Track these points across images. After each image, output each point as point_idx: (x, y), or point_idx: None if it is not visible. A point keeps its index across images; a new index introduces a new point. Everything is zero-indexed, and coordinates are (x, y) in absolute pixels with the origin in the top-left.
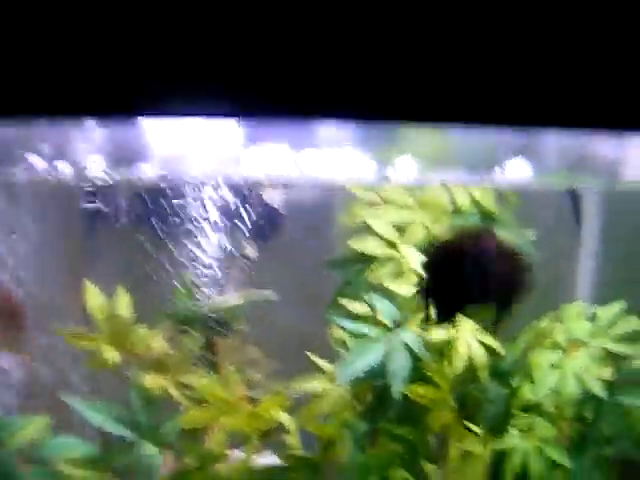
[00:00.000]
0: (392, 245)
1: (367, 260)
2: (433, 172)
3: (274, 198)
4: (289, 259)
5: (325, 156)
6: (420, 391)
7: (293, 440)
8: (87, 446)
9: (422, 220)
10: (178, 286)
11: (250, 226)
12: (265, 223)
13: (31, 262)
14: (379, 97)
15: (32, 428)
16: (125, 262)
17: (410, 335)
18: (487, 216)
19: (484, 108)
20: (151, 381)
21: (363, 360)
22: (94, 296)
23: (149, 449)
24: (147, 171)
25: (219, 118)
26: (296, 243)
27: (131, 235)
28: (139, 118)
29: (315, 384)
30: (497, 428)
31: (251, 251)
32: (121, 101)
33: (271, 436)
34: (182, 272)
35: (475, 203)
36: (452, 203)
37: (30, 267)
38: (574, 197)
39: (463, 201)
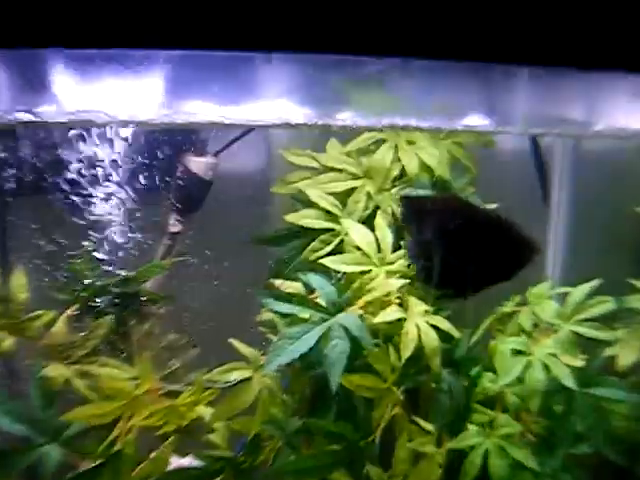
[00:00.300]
0: (333, 218)
1: (305, 235)
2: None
3: (201, 166)
4: (217, 233)
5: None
6: (361, 382)
7: (218, 438)
8: None
9: (367, 189)
10: (83, 260)
11: (174, 196)
12: (191, 193)
13: None
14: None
15: None
16: (24, 232)
17: (351, 318)
18: (441, 185)
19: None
20: (52, 371)
21: (295, 346)
22: None
23: (51, 449)
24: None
25: None
26: (227, 216)
27: (29, 199)
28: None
29: (238, 373)
30: (453, 424)
31: (174, 224)
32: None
33: (193, 434)
34: (89, 244)
35: (426, 169)
36: (400, 170)
37: None
38: (536, 150)
39: (411, 167)
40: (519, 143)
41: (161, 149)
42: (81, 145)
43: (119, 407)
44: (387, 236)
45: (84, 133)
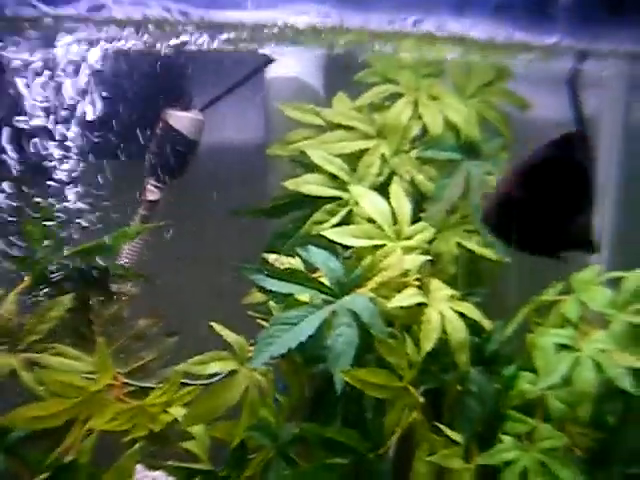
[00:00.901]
0: (340, 184)
1: (307, 205)
2: None
3: (185, 122)
4: (202, 202)
5: None
6: (372, 379)
7: (196, 447)
8: None
9: (381, 150)
10: (36, 223)
11: (151, 157)
12: (172, 154)
13: None
14: None
15: None
16: None
17: (361, 301)
18: (468, 145)
19: None
20: None
21: (291, 334)
22: None
23: None
24: None
25: None
26: (214, 181)
27: None
28: None
29: (219, 365)
30: (483, 435)
31: (151, 190)
32: None
33: (167, 442)
34: (47, 210)
35: (451, 128)
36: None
37: None
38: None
39: (435, 125)
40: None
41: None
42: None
43: (72, 407)
44: (405, 206)
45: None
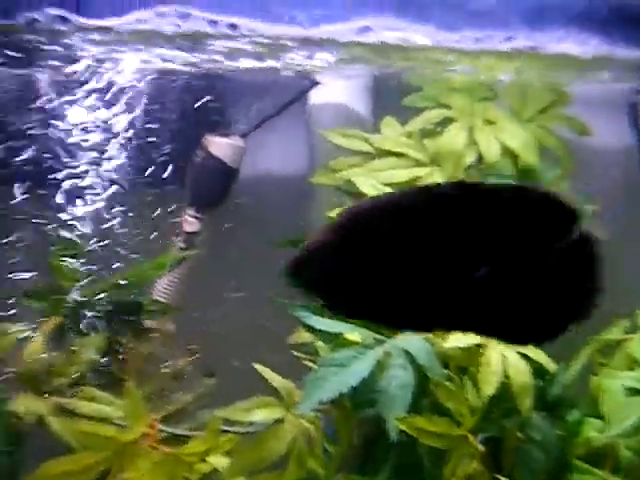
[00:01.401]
0: None
1: None
2: None
3: (226, 149)
4: (242, 233)
5: None
6: (430, 426)
7: None
8: None
9: (434, 178)
10: (67, 263)
11: (192, 186)
12: (212, 182)
13: None
14: None
15: None
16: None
17: (416, 341)
18: (527, 174)
19: None
20: (21, 404)
21: (341, 378)
22: None
23: None
24: None
25: None
26: (254, 211)
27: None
28: None
29: (266, 413)
30: None
31: (190, 221)
32: None
33: None
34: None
35: (509, 154)
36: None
37: None
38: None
39: (492, 152)
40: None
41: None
42: None
43: (104, 460)
44: None
45: None
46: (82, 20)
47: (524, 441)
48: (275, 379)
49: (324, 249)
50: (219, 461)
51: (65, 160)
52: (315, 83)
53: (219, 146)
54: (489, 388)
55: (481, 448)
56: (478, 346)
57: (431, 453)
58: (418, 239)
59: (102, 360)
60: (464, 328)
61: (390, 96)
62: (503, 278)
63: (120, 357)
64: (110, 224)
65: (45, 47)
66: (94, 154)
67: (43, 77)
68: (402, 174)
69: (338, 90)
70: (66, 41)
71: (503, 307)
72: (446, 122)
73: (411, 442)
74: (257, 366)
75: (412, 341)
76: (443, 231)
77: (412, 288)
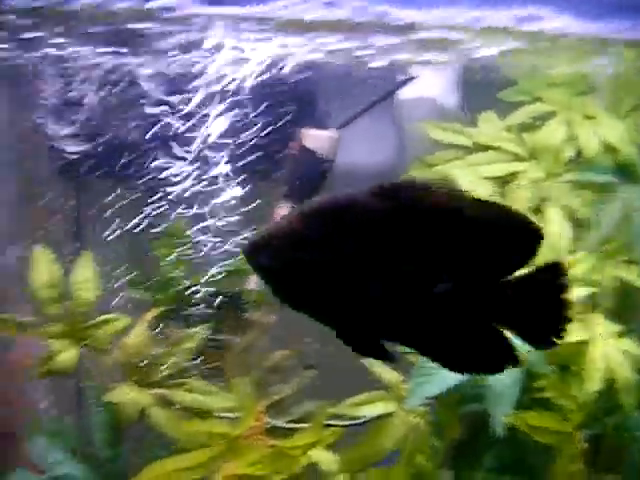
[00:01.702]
0: None
1: None
2: None
3: (321, 141)
4: None
5: None
6: (541, 422)
7: None
8: None
9: (532, 173)
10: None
11: (286, 178)
12: (307, 174)
13: None
14: None
15: None
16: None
17: None
18: (626, 168)
19: None
20: (123, 395)
21: (445, 374)
22: (41, 265)
23: None
24: None
25: None
26: None
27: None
28: None
29: (376, 407)
30: None
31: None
32: None
33: None
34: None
35: (608, 148)
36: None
37: None
38: None
39: (591, 146)
40: None
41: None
42: None
43: (216, 456)
44: (564, 233)
45: None
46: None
47: (627, 439)
48: (384, 372)
49: (283, 236)
50: (320, 454)
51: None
52: (411, 77)
53: (315, 139)
54: (593, 385)
55: (583, 446)
56: (581, 343)
57: (535, 449)
58: (379, 245)
59: (204, 351)
60: (407, 341)
61: (479, 89)
62: (460, 300)
63: (222, 348)
64: (214, 217)
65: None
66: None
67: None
68: (501, 168)
69: (427, 83)
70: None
71: (454, 330)
72: (543, 116)
73: (513, 438)
74: (365, 360)
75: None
76: (404, 241)
77: (362, 293)
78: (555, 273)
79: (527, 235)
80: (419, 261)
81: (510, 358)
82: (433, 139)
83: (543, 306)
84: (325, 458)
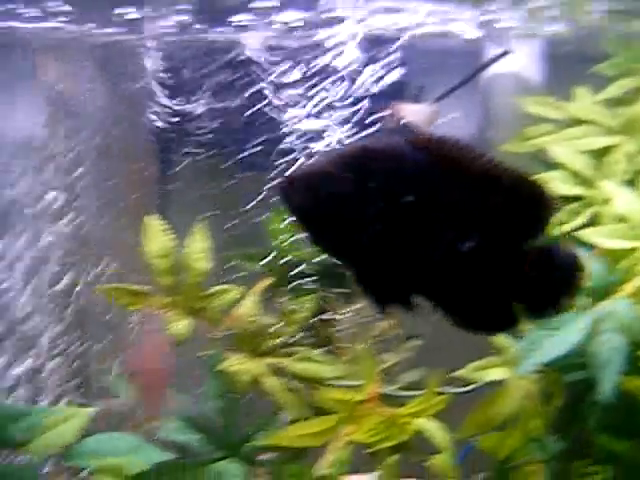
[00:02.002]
0: (584, 182)
1: None
2: None
3: (419, 116)
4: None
5: None
6: None
7: (443, 461)
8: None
9: (626, 147)
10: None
11: None
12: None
13: None
14: None
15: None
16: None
17: (624, 306)
18: None
19: None
20: (237, 364)
21: (555, 341)
22: (156, 236)
23: (231, 467)
24: None
25: None
26: None
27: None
28: None
29: (494, 373)
30: None
31: None
32: None
33: (406, 452)
34: None
35: None
36: None
37: None
38: None
39: None
40: None
41: None
42: None
43: (337, 424)
44: None
45: None
46: None
47: None
48: (499, 338)
49: (315, 177)
50: (428, 423)
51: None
52: (506, 51)
53: (413, 112)
54: None
55: None
56: None
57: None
58: (407, 194)
59: (312, 321)
60: (423, 291)
61: (565, 63)
62: (480, 261)
63: (328, 320)
64: None
65: None
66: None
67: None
68: (597, 142)
69: (513, 57)
70: None
71: (468, 288)
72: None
73: (618, 404)
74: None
75: (620, 306)
76: (434, 194)
77: (387, 240)
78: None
79: (541, 205)
80: (446, 215)
81: (511, 323)
82: (519, 113)
83: (551, 279)
84: (432, 426)
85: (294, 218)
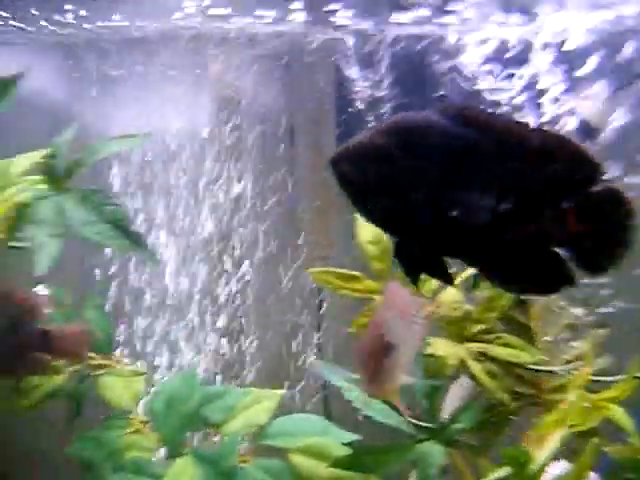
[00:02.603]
0: None
1: None
2: None
3: (591, 110)
4: None
5: None
6: None
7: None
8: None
9: None
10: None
11: None
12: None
13: None
14: None
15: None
16: None
17: None
18: None
19: None
20: (444, 348)
21: None
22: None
23: (434, 449)
24: None
25: None
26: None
27: None
28: None
29: None
30: None
31: None
32: None
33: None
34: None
35: None
36: None
37: None
38: None
39: None
40: None
41: None
42: None
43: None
44: None
45: None
46: None
47: None
48: None
49: (362, 149)
50: (617, 408)
51: None
52: None
53: (583, 106)
54: None
55: None
56: None
57: None
58: (449, 164)
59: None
60: (468, 258)
61: None
62: (521, 222)
63: (525, 306)
64: None
65: None
66: None
67: None
68: None
69: None
70: None
71: (514, 250)
72: None
73: None
74: None
75: None
76: (472, 161)
77: (429, 208)
78: (618, 200)
79: (584, 165)
80: (484, 180)
81: (566, 280)
82: None
83: (602, 232)
84: (620, 412)
85: (343, 190)
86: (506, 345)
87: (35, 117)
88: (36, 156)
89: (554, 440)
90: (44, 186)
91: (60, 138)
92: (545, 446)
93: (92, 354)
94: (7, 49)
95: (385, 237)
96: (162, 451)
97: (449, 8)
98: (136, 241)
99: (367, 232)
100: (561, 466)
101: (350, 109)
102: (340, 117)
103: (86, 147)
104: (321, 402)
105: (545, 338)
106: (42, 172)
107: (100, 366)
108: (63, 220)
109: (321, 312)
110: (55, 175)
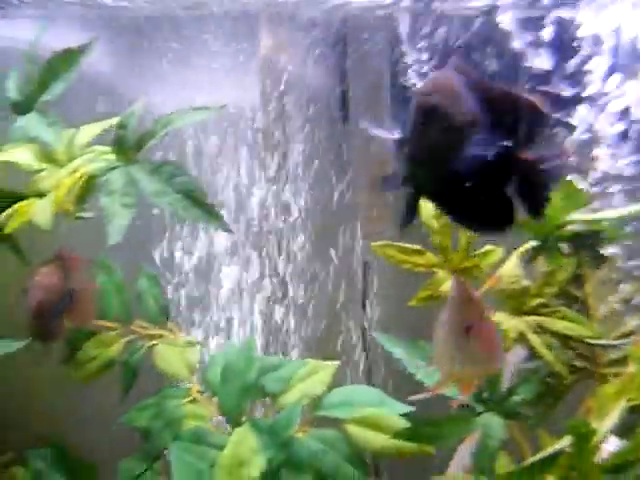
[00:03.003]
0: None
1: None
2: None
3: None
4: None
5: None
6: None
7: None
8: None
9: None
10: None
11: None
12: None
13: None
14: None
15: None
16: None
17: None
18: None
19: None
20: (504, 321)
21: None
22: None
23: (494, 420)
24: None
25: None
26: None
27: None
28: None
29: None
30: None
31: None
32: None
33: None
34: None
35: None
36: None
37: None
38: None
39: None
40: None
41: None
42: None
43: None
44: None
45: None
46: None
47: None
48: None
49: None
50: None
51: None
52: None
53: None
54: None
55: None
56: None
57: None
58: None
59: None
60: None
61: None
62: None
63: (581, 280)
64: None
65: None
66: None
67: None
68: None
69: None
70: None
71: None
72: None
73: None
74: None
75: None
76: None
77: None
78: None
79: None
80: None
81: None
82: None
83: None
84: None
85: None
86: (563, 319)
87: (93, 92)
88: (102, 126)
89: (614, 413)
90: (112, 157)
91: (129, 110)
92: (605, 419)
93: (144, 324)
94: (68, 23)
95: None
96: (214, 420)
97: None
98: (209, 211)
99: (430, 207)
100: (613, 442)
101: (405, 86)
102: (394, 94)
103: (158, 119)
104: (364, 375)
105: (600, 312)
106: (111, 143)
107: (154, 336)
108: (135, 190)
109: (367, 287)
110: (124, 146)
